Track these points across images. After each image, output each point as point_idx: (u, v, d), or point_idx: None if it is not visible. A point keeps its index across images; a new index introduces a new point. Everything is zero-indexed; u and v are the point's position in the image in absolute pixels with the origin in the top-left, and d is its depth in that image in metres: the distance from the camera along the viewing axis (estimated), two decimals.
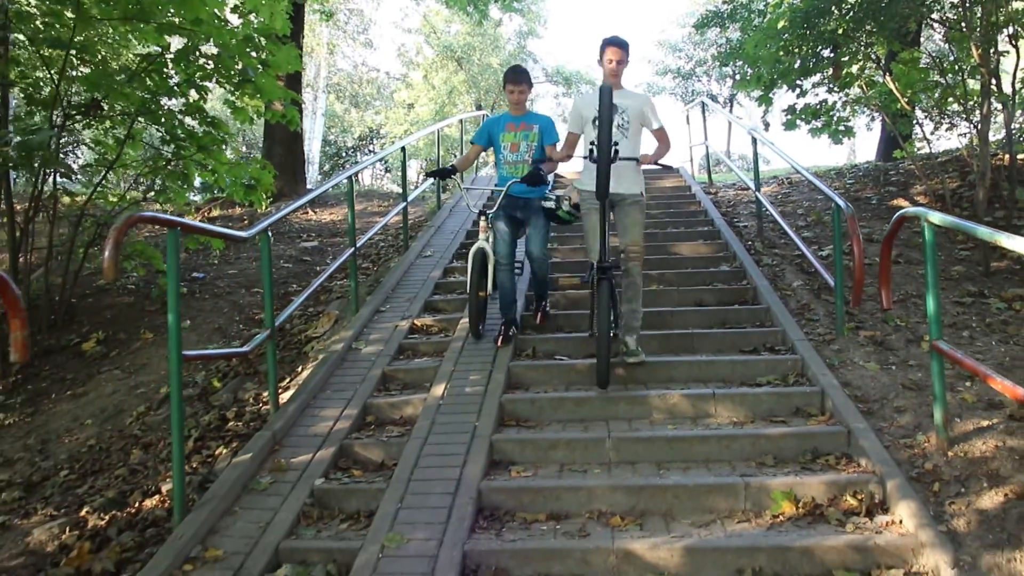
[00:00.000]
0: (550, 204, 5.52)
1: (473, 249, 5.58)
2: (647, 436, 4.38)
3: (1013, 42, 7.95)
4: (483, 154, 6.88)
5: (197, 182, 8.11)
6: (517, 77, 5.74)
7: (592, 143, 4.96)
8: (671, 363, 5.22)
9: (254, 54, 6.76)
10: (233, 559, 3.51)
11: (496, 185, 5.88)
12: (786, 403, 4.68)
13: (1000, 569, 3.08)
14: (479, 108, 28.25)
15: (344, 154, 27.88)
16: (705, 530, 3.61)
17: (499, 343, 5.61)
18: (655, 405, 4.76)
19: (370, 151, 27.90)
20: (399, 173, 29.78)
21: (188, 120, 7.33)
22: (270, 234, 4.89)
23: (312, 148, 25.87)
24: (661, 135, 5.42)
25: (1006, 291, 6.25)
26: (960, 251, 7.38)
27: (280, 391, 5.27)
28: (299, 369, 5.78)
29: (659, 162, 5.33)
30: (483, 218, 5.70)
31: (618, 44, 5.19)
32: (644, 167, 5.40)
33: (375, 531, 3.61)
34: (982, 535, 3.32)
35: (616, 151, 4.66)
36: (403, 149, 8.91)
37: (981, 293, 6.29)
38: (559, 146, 5.70)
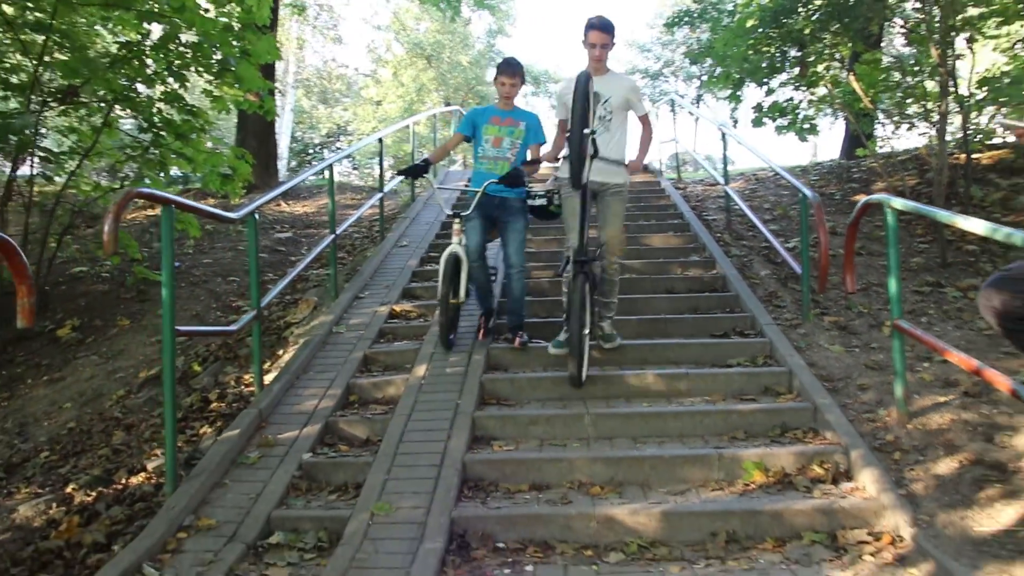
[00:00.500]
0: (541, 202, 5.30)
1: (445, 254, 5.16)
2: (624, 412, 4.56)
3: (969, 45, 8.28)
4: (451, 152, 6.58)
5: (174, 171, 8.14)
6: (512, 69, 5.43)
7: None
8: (645, 346, 5.40)
9: (235, 43, 6.81)
10: (226, 527, 3.61)
11: (471, 183, 5.50)
12: (756, 382, 4.88)
13: (954, 525, 3.29)
14: (448, 105, 28.33)
15: (311, 151, 27.82)
16: (681, 497, 3.79)
17: (481, 336, 5.49)
18: (631, 384, 4.93)
19: (337, 148, 27.86)
20: (367, 170, 29.51)
21: (166, 108, 7.36)
22: (257, 216, 4.97)
23: (280, 144, 25.76)
24: (645, 121, 5.33)
25: (961, 281, 6.52)
26: (919, 244, 7.67)
27: (262, 373, 5.35)
28: (280, 353, 5.87)
29: (649, 168, 5.27)
30: (457, 220, 5.32)
31: (602, 27, 4.98)
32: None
33: (364, 500, 3.74)
34: (938, 497, 3.53)
35: (595, 149, 4.50)
36: (380, 140, 9.01)
37: (938, 283, 6.56)
38: (543, 149, 5.48)
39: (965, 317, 5.80)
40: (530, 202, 5.31)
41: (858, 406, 4.50)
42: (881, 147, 11.00)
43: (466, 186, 5.63)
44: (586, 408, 4.62)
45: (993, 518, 3.31)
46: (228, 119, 14.30)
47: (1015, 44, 8.53)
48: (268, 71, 11.74)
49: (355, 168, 30.08)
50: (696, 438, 4.37)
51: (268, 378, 5.26)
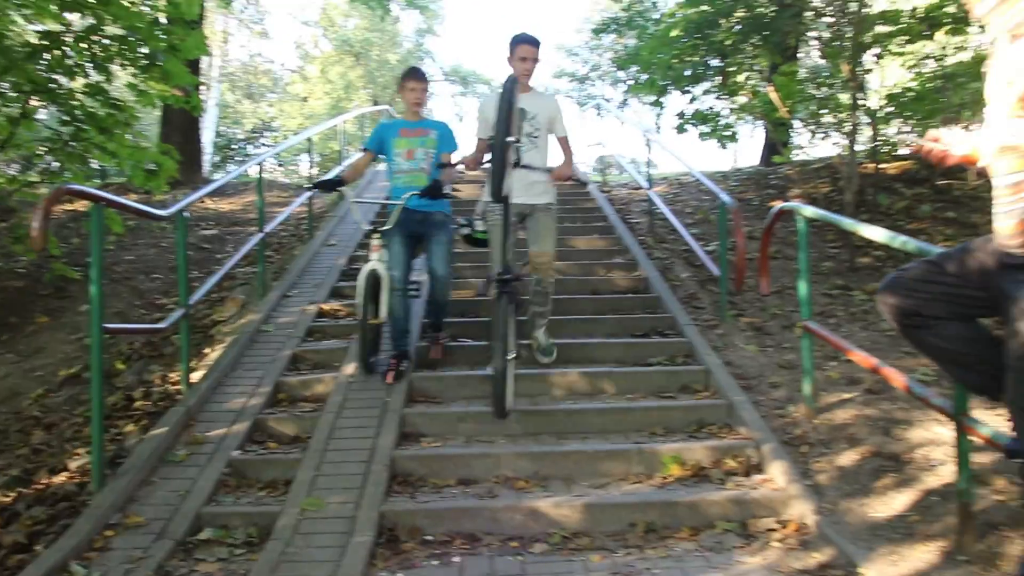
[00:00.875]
0: (465, 231, 5.21)
1: (363, 271, 4.82)
2: (548, 410, 4.71)
3: (877, 61, 8.73)
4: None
5: (93, 164, 7.96)
6: (418, 75, 5.31)
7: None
8: (570, 345, 5.56)
9: (162, 37, 6.72)
10: (155, 524, 3.62)
11: (390, 198, 5.21)
12: (675, 380, 5.09)
13: (853, 512, 3.54)
14: (376, 104, 28.18)
15: (236, 146, 27.32)
16: (602, 490, 3.95)
17: (389, 379, 4.92)
18: (555, 383, 5.08)
19: (262, 144, 27.43)
20: (292, 167, 29.07)
21: (89, 101, 7.20)
22: (187, 214, 4.96)
23: (204, 139, 25.25)
24: (566, 144, 5.22)
25: (868, 284, 6.89)
26: (831, 249, 8.06)
27: (190, 371, 5.32)
28: (207, 351, 5.83)
29: (575, 178, 5.15)
30: (375, 236, 4.99)
31: (530, 41, 4.90)
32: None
33: (294, 496, 3.79)
34: (840, 486, 3.78)
35: (518, 155, 4.41)
36: (310, 139, 8.99)
37: (847, 286, 6.92)
38: (455, 157, 5.28)
39: (871, 319, 6.14)
40: (465, 231, 5.24)
41: (770, 403, 4.74)
42: (797, 155, 11.48)
43: (387, 199, 5.29)
44: (512, 405, 4.75)
45: (888, 505, 3.57)
46: (151, 113, 13.98)
47: (919, 61, 9.01)
48: (194, 66, 11.55)
49: (280, 165, 29.66)
50: (618, 434, 4.55)
51: (195, 376, 5.23)
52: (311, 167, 9.01)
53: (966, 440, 3.07)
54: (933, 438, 4.07)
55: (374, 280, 4.84)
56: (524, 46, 4.87)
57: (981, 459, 3.66)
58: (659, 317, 6.09)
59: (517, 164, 4.29)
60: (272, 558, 3.30)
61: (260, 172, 6.79)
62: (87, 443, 4.25)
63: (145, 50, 6.83)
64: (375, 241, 4.97)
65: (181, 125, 12.14)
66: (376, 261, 4.88)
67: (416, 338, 5.54)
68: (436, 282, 5.16)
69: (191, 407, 4.63)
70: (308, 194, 8.48)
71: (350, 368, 5.15)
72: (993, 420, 3.52)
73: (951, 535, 3.19)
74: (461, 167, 5.23)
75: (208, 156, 25.22)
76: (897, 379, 3.50)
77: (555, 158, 5.32)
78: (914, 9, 8.54)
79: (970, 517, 3.11)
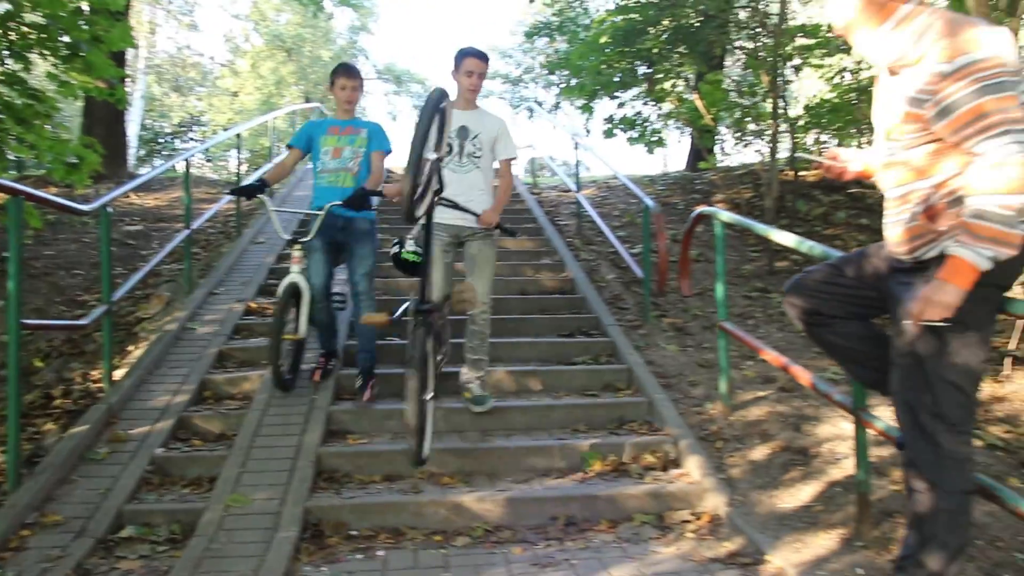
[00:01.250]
0: (394, 250, 4.33)
1: (283, 284, 4.57)
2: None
3: (796, 72, 9.07)
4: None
5: (12, 157, 7.72)
6: (351, 71, 5.02)
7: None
8: (497, 344, 5.62)
9: (86, 28, 6.58)
10: (74, 523, 3.58)
11: (313, 205, 4.87)
12: (598, 379, 5.23)
13: (763, 503, 3.72)
14: (308, 101, 27.85)
15: (162, 140, 26.68)
16: (525, 485, 4.05)
17: (316, 377, 4.88)
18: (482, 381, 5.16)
19: (190, 139, 26.87)
20: (220, 163, 28.52)
21: (6, 91, 7.00)
22: (110, 209, 4.89)
23: (129, 132, 24.60)
24: (507, 169, 4.78)
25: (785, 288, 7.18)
26: (751, 253, 8.33)
27: (112, 369, 5.24)
28: (130, 349, 5.75)
29: (501, 227, 4.49)
30: (296, 246, 4.73)
31: (478, 55, 4.59)
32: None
33: (219, 493, 3.79)
34: (752, 479, 3.96)
35: (440, 182, 3.64)
36: (239, 135, 8.89)
37: (765, 289, 7.18)
38: (388, 159, 5.01)
39: (787, 320, 6.39)
40: (395, 249, 4.38)
41: (688, 400, 4.92)
42: (722, 161, 11.83)
43: (310, 204, 4.94)
44: (439, 403, 4.81)
45: (794, 496, 3.76)
46: (73, 105, 13.58)
47: (837, 74, 9.39)
48: (119, 57, 11.28)
49: (209, 160, 29.06)
50: (541, 431, 4.66)
51: (118, 374, 5.16)
52: (239, 164, 8.86)
53: (864, 434, 3.27)
54: (839, 433, 4.29)
55: (294, 293, 4.62)
56: (471, 60, 4.55)
57: (881, 452, 3.90)
58: (584, 317, 6.23)
59: (439, 192, 3.68)
60: (195, 554, 3.30)
61: (187, 168, 6.70)
62: (3, 442, 4.16)
63: (67, 40, 6.67)
64: (295, 252, 4.71)
65: (104, 118, 11.84)
66: (296, 273, 4.64)
67: (344, 338, 5.41)
68: (358, 298, 4.84)
69: (113, 405, 4.57)
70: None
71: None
72: (889, 415, 3.74)
73: (850, 523, 3.39)
74: (393, 189, 4.81)
75: (133, 150, 24.59)
76: (804, 376, 3.69)
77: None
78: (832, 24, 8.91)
79: (867, 506, 3.31)
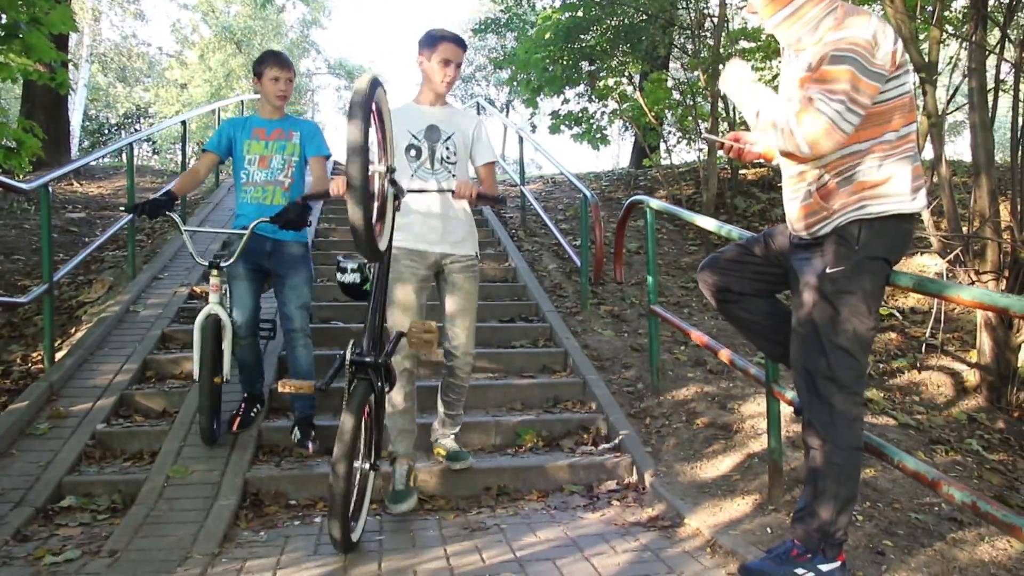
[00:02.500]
0: (353, 278, 3.63)
1: (200, 317, 3.87)
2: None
3: None
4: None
5: None
6: (284, 61, 4.18)
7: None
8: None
9: (24, 8, 6.54)
10: (13, 494, 3.63)
11: (236, 223, 4.18)
12: (535, 361, 5.41)
13: (685, 474, 3.92)
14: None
15: (107, 131, 26.25)
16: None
17: (234, 427, 4.15)
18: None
19: (136, 130, 26.45)
20: (168, 155, 28.13)
21: None
22: (50, 189, 4.92)
23: (72, 121, 24.15)
24: (490, 174, 3.92)
25: None
26: (690, 246, 8.61)
27: (54, 350, 5.27)
28: (72, 331, 5.77)
29: (487, 196, 3.72)
30: (216, 271, 3.97)
31: (456, 41, 3.71)
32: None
33: (159, 465, 3.87)
34: (676, 453, 4.17)
35: (396, 187, 3.11)
36: (184, 123, 8.88)
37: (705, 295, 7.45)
38: (329, 164, 4.20)
39: None
40: (340, 277, 3.65)
41: (621, 381, 5.13)
42: (666, 159, 12.11)
43: (235, 229, 4.16)
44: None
45: (715, 467, 3.98)
46: (12, 90, 13.35)
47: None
48: (61, 41, 11.14)
49: (156, 153, 28.65)
50: (479, 409, 4.81)
51: (59, 355, 5.19)
52: (183, 156, 8.85)
53: (776, 405, 3.49)
54: (761, 411, 4.51)
55: (215, 327, 3.89)
56: (448, 45, 3.65)
57: (796, 428, 4.13)
58: (525, 304, 6.42)
59: (398, 199, 3.17)
60: (136, 520, 3.39)
61: (130, 152, 6.70)
62: None
63: (3, 20, 6.63)
64: (214, 279, 3.96)
65: (45, 103, 11.67)
66: (216, 305, 3.92)
67: (270, 380, 4.70)
68: (292, 337, 4.12)
69: (54, 382, 4.61)
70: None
71: None
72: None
73: (764, 490, 3.61)
74: (339, 183, 3.57)
75: (76, 140, 24.15)
76: (724, 354, 3.91)
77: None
78: None
79: (779, 473, 3.53)
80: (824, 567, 2.58)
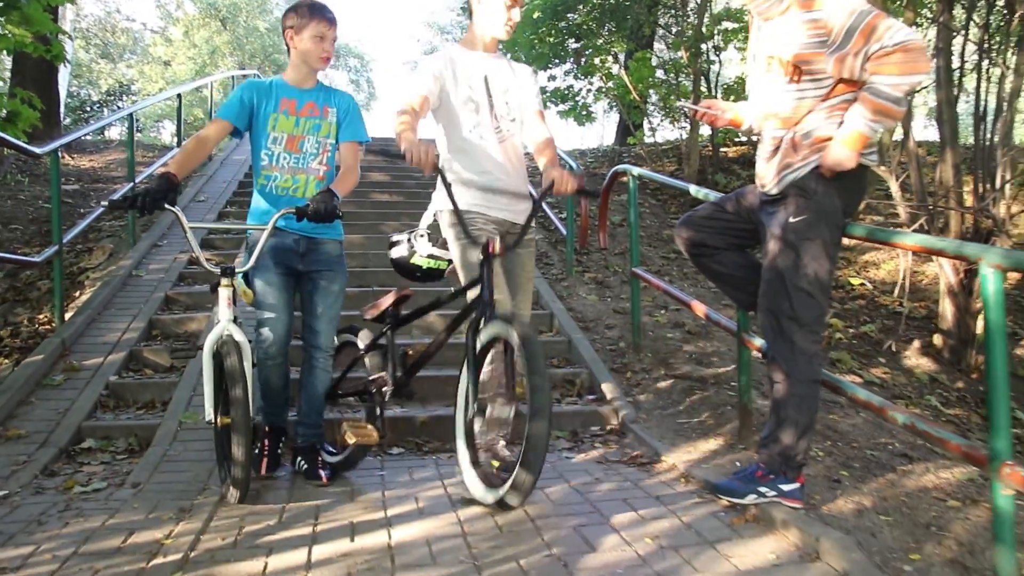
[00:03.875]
0: (401, 253, 3.41)
1: (211, 340, 3.06)
2: (410, 343, 5.20)
3: (717, 53, 9.64)
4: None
5: None
6: (331, 16, 3.33)
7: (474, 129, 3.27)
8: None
9: None
10: (37, 436, 3.89)
11: (256, 218, 3.39)
12: None
13: (664, 420, 4.24)
14: (243, 69, 27.61)
15: (90, 108, 26.20)
16: (445, 409, 4.46)
17: (263, 470, 3.45)
18: (416, 324, 5.55)
19: (118, 107, 26.39)
20: (152, 133, 27.97)
21: None
22: (60, 154, 5.14)
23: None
24: (543, 124, 3.51)
25: None
26: (672, 219, 8.91)
27: (64, 310, 5.49)
28: (77, 294, 5.99)
29: (583, 189, 3.40)
30: (226, 279, 3.10)
31: None
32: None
33: (172, 412, 4.14)
34: (655, 402, 4.48)
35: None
36: (179, 96, 9.06)
37: (682, 251, 7.75)
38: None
39: (700, 278, 6.96)
40: (393, 254, 3.42)
41: (604, 340, 5.43)
42: (650, 137, 12.39)
43: (255, 224, 3.36)
44: None
45: (691, 414, 4.29)
46: (3, 62, 13.39)
47: None
48: (54, 13, 11.22)
49: (139, 131, 28.62)
50: None
51: (68, 315, 5.41)
52: (179, 129, 9.02)
53: (746, 352, 3.79)
54: (735, 366, 4.84)
55: (235, 353, 2.99)
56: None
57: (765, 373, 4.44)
58: None
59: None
60: (154, 459, 3.65)
61: (131, 125, 6.90)
62: None
63: None
64: (225, 289, 3.09)
65: (36, 76, 11.72)
66: (228, 322, 3.05)
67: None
68: (313, 355, 3.44)
69: (66, 338, 4.86)
70: (174, 152, 8.56)
71: None
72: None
73: (735, 432, 3.92)
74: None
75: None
76: (699, 308, 4.21)
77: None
78: None
79: (748, 414, 3.84)
80: (785, 487, 2.89)
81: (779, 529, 2.75)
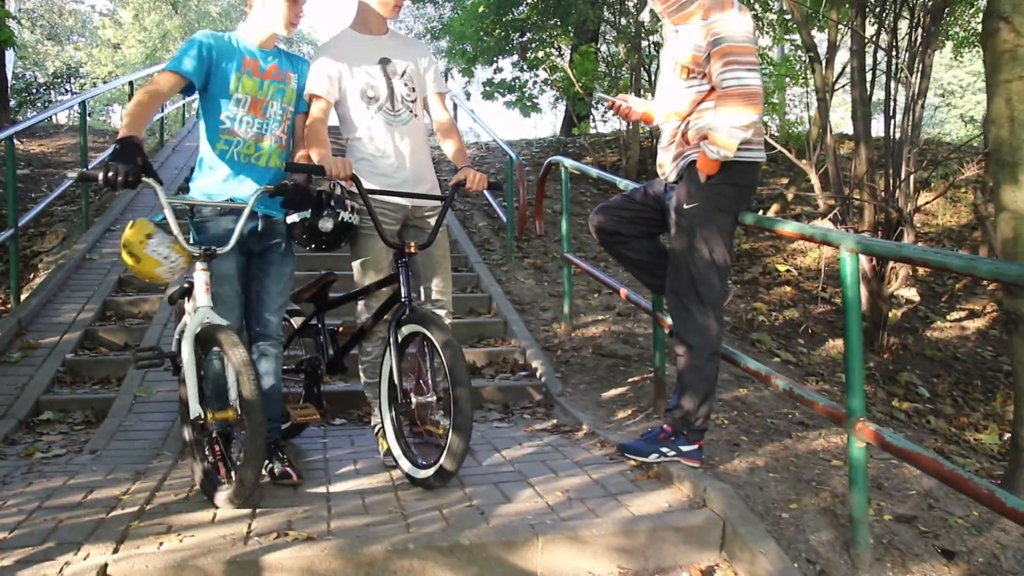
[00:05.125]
0: (299, 218, 3.16)
1: (191, 328, 2.87)
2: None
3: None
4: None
5: None
6: None
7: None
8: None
9: None
10: None
11: (222, 192, 3.12)
12: (463, 305, 6.02)
13: (589, 394, 4.59)
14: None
15: (35, 90, 25.77)
16: None
17: (277, 470, 3.15)
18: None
19: (67, 90, 26.01)
20: (101, 117, 27.58)
21: None
22: (15, 141, 5.31)
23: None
24: (443, 102, 3.62)
25: None
26: None
27: (19, 291, 5.66)
28: (31, 277, 6.16)
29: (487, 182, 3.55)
30: (202, 265, 2.93)
31: None
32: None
33: (127, 386, 4.39)
34: (581, 377, 4.84)
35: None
36: (131, 83, 9.18)
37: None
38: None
39: None
40: (289, 218, 3.20)
41: (538, 321, 5.78)
42: (595, 127, 12.76)
43: (225, 201, 3.12)
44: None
45: (614, 389, 4.65)
46: None
47: None
48: None
49: (89, 115, 28.23)
50: None
51: (24, 296, 5.60)
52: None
53: (660, 329, 4.16)
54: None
55: (209, 341, 2.86)
56: None
57: None
58: (455, 257, 7.00)
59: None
60: (111, 429, 3.91)
61: (83, 111, 7.05)
62: None
63: None
64: (202, 273, 2.93)
65: None
66: (207, 308, 2.91)
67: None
68: (266, 342, 3.24)
69: (22, 318, 5.06)
70: None
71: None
72: None
73: (652, 404, 4.29)
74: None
75: None
76: (622, 291, 4.57)
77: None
78: None
79: (663, 386, 4.21)
80: (684, 447, 3.26)
81: (675, 483, 3.12)
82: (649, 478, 3.24)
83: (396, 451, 3.25)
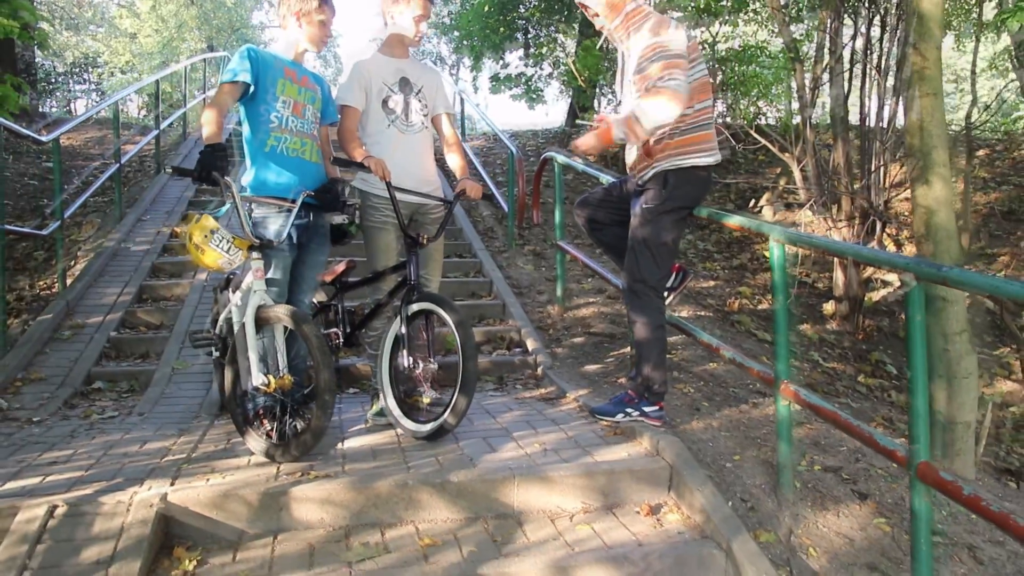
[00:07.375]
0: (341, 219, 3.82)
1: (251, 307, 3.36)
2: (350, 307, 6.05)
3: None
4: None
5: None
6: (334, 4, 3.72)
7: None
8: None
9: None
10: (54, 379, 4.71)
11: (274, 185, 3.55)
12: (465, 288, 6.57)
13: (577, 368, 5.13)
14: (211, 49, 27.96)
15: (54, 79, 26.40)
16: None
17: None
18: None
19: (85, 79, 26.66)
20: (121, 110, 28.22)
21: None
22: (61, 141, 5.89)
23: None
24: (453, 126, 4.22)
25: None
26: None
27: (65, 277, 6.24)
28: (72, 264, 6.75)
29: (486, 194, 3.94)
30: (256, 254, 3.41)
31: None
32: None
33: (165, 361, 4.97)
34: (571, 353, 5.39)
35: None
36: (157, 82, 9.74)
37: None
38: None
39: None
40: (335, 219, 3.85)
41: (534, 303, 6.32)
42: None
43: (278, 197, 3.56)
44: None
45: (599, 363, 5.19)
46: None
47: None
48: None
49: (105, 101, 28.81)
50: None
51: (69, 281, 6.18)
52: (157, 112, 9.68)
53: None
54: None
55: (306, 320, 3.30)
56: (424, 1, 3.92)
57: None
58: (459, 244, 7.56)
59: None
60: (154, 396, 4.50)
61: (117, 110, 7.62)
62: None
63: None
64: (257, 263, 3.40)
65: (3, 56, 12.18)
66: (262, 291, 3.38)
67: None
68: (301, 324, 3.29)
69: (70, 300, 5.65)
70: (156, 132, 9.28)
71: (204, 275, 6.25)
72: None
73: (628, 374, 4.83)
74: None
75: None
76: (608, 277, 5.10)
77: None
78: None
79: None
80: (647, 408, 3.80)
81: (636, 438, 3.67)
82: (616, 435, 3.78)
83: (396, 412, 3.80)
